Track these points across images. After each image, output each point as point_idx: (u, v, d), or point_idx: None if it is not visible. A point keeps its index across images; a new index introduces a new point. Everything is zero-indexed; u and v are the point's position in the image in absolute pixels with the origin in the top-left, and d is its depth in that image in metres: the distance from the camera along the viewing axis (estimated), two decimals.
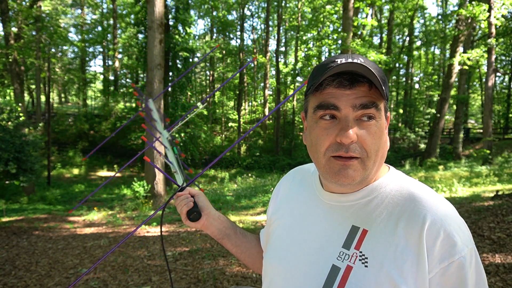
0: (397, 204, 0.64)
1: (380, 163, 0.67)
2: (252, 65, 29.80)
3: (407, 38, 24.98)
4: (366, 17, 19.95)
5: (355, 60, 0.60)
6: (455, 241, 0.58)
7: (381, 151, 0.65)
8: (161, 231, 0.97)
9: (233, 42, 30.34)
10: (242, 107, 28.56)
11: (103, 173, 20.74)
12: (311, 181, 0.80)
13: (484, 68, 19.87)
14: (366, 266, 0.61)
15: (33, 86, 24.29)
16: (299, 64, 22.20)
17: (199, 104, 1.20)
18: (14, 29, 13.56)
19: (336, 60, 0.62)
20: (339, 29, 15.39)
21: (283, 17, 26.48)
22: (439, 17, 22.93)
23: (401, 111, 26.32)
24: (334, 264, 0.64)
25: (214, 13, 27.62)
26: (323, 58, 24.35)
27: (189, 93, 21.96)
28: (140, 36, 15.21)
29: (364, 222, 0.65)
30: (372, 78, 0.60)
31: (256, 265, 0.97)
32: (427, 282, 0.58)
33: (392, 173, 0.71)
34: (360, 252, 0.62)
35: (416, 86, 31.47)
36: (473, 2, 12.58)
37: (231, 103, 33.13)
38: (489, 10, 12.58)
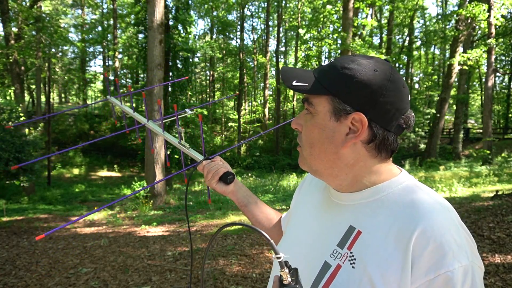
0: (394, 210, 0.63)
1: (332, 161, 0.67)
2: (252, 65, 29.82)
3: (407, 38, 24.99)
4: (366, 17, 19.95)
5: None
6: (445, 253, 0.54)
7: (319, 146, 0.67)
8: (185, 201, 1.02)
9: (233, 42, 30.36)
10: (242, 107, 28.56)
11: (103, 173, 20.75)
12: None
13: (484, 68, 19.88)
14: (353, 267, 0.61)
15: (33, 86, 24.30)
16: (299, 64, 22.20)
17: (187, 110, 1.17)
18: (14, 29, 13.57)
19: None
20: (339, 29, 15.40)
21: (283, 17, 26.48)
22: (439, 17, 22.94)
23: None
24: (326, 261, 0.65)
25: (214, 13, 27.62)
26: (323, 58, 24.39)
27: (189, 93, 21.95)
28: (140, 36, 15.21)
29: (360, 224, 0.65)
30: (292, 76, 0.69)
31: (273, 236, 1.02)
32: None
33: (401, 177, 0.68)
34: (351, 252, 0.63)
35: (416, 86, 31.46)
36: (473, 2, 12.59)
37: (231, 103, 33.13)
38: (489, 10, 12.60)
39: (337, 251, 0.65)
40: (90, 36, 29.84)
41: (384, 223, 0.62)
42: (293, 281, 0.57)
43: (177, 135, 1.11)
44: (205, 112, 20.84)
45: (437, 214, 0.59)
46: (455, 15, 15.54)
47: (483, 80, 22.51)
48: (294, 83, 0.67)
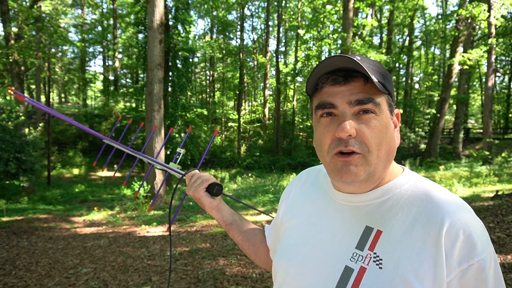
0: (413, 205, 0.63)
1: (388, 160, 0.66)
2: (252, 65, 29.83)
3: (407, 38, 25.00)
4: (366, 17, 19.95)
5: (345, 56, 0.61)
6: (475, 243, 0.57)
7: (386, 146, 0.64)
8: (169, 211, 1.02)
9: (233, 42, 30.37)
10: (242, 107, 28.56)
11: (103, 173, 20.74)
12: (323, 182, 0.79)
13: (484, 68, 19.89)
14: (380, 268, 0.59)
15: (33, 86, 24.30)
16: (299, 64, 22.21)
17: (179, 149, 1.17)
18: (14, 29, 13.57)
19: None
20: (339, 29, 15.40)
21: (283, 17, 26.49)
22: (439, 17, 22.95)
23: (401, 111, 26.15)
24: (347, 265, 0.63)
25: (214, 13, 27.63)
26: (323, 58, 24.42)
27: (189, 93, 21.95)
28: (140, 36, 15.21)
29: (379, 223, 0.64)
30: (363, 71, 0.60)
31: (258, 255, 0.98)
32: (444, 286, 0.57)
33: (407, 174, 0.69)
34: (374, 253, 0.61)
35: (416, 86, 31.48)
36: (473, 2, 12.58)
37: (231, 103, 33.13)
38: (489, 10, 12.59)
39: (357, 253, 0.63)
40: (90, 36, 29.82)
41: (405, 220, 0.62)
42: None
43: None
44: (205, 112, 20.83)
45: (459, 207, 0.61)
46: (455, 15, 15.53)
47: (483, 80, 22.53)
48: (377, 79, 0.62)
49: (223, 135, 28.49)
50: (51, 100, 26.13)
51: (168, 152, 13.25)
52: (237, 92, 28.25)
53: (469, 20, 14.12)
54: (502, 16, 14.16)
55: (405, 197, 0.65)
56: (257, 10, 29.43)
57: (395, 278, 0.58)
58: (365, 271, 0.60)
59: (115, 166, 21.67)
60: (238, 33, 28.88)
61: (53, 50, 23.64)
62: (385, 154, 0.64)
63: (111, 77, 28.77)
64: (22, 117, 9.36)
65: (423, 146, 21.09)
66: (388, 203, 0.65)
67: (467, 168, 12.04)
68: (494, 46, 13.53)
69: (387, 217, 0.63)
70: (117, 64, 27.72)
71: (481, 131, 19.68)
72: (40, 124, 13.19)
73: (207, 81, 32.94)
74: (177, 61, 14.69)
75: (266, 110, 28.36)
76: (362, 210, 0.67)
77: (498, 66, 24.92)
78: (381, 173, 0.65)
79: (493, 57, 13.62)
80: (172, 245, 5.05)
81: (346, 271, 0.62)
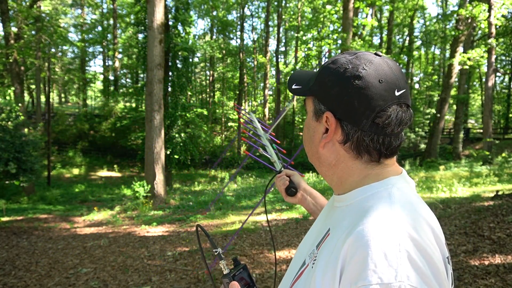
0: (355, 216, 0.60)
1: (318, 160, 0.70)
2: (252, 65, 29.83)
3: (407, 38, 25.00)
4: (366, 17, 19.95)
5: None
6: (366, 266, 0.49)
7: (308, 145, 0.71)
8: (266, 215, 1.16)
9: (233, 42, 30.36)
10: (242, 107, 28.56)
11: (103, 173, 20.74)
12: None
13: (484, 68, 19.88)
14: (312, 267, 0.63)
15: (33, 86, 24.30)
16: (299, 64, 22.21)
17: (287, 104, 1.45)
18: (14, 29, 13.56)
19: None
20: (339, 29, 15.39)
21: (283, 17, 26.49)
22: (439, 17, 22.95)
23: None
24: (305, 260, 0.68)
25: (214, 13, 27.63)
26: (323, 58, 24.39)
27: (189, 93, 21.94)
28: (140, 36, 15.20)
29: (333, 227, 0.65)
30: (294, 79, 0.73)
31: None
32: None
33: (385, 183, 0.63)
34: (317, 253, 0.64)
35: (416, 86, 31.46)
36: (473, 2, 12.57)
37: (231, 103, 33.13)
38: (489, 10, 12.59)
39: (314, 251, 0.66)
40: (90, 36, 29.83)
41: (344, 228, 0.60)
42: (231, 273, 0.73)
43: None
44: (205, 112, 20.83)
45: (377, 222, 0.54)
46: (455, 15, 15.53)
47: (483, 80, 22.52)
48: (294, 86, 0.71)
49: (223, 135, 28.48)
50: (51, 100, 26.10)
51: (168, 152, 13.24)
52: (237, 92, 28.25)
53: (469, 20, 14.12)
54: (503, 16, 14.16)
55: (360, 205, 0.62)
56: (257, 10, 29.44)
57: (311, 279, 0.60)
58: (306, 268, 0.65)
59: (115, 166, 21.68)
60: (238, 33, 28.89)
61: (53, 50, 23.64)
62: (309, 152, 0.72)
63: (111, 77, 28.77)
64: (22, 117, 9.35)
65: (423, 146, 21.09)
66: (348, 208, 0.64)
67: (467, 168, 12.04)
68: (494, 46, 13.53)
69: (339, 223, 0.64)
70: (117, 64, 27.72)
71: (481, 131, 19.68)
72: (40, 124, 13.18)
73: (207, 81, 32.94)
74: (177, 61, 14.68)
75: (266, 110, 28.34)
76: (336, 211, 0.69)
77: (498, 66, 24.92)
78: (319, 169, 0.72)
79: (493, 57, 13.61)
80: (172, 245, 5.04)
81: (302, 264, 0.68)
